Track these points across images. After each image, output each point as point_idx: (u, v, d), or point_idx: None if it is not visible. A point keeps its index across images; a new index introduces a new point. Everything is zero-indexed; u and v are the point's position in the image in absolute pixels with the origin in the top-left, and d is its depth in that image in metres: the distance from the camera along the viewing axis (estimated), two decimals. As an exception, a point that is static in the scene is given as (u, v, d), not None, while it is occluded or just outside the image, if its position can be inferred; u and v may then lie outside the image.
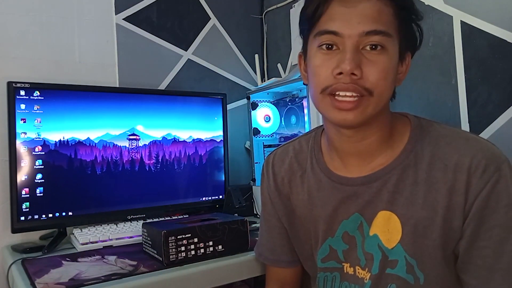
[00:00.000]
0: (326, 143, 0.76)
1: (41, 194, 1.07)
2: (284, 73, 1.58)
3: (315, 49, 0.65)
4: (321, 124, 0.83)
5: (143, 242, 0.97)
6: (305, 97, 1.27)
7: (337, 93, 0.62)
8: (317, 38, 0.64)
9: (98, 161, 1.15)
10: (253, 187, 1.42)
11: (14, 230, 1.04)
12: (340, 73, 0.60)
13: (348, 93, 0.61)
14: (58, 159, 1.10)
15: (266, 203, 0.85)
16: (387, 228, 0.66)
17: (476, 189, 0.60)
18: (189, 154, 1.31)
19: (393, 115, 0.71)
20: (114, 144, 1.18)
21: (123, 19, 1.37)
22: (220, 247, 0.91)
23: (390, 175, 0.66)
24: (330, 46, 0.62)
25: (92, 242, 1.03)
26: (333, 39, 0.62)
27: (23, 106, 1.05)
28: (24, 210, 1.05)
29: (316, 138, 0.79)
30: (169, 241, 0.85)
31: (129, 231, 1.08)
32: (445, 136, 0.65)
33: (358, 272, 0.70)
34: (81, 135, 1.13)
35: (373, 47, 0.61)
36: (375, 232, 0.67)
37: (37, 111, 1.07)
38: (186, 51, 1.50)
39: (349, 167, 0.71)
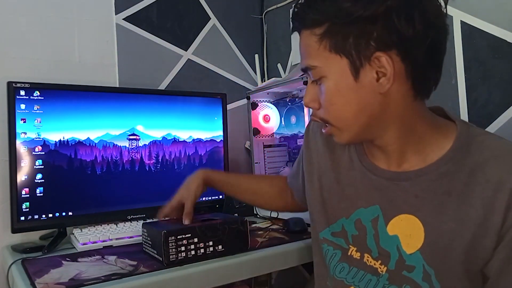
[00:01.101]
0: None
1: (41, 194, 1.07)
2: (284, 73, 1.58)
3: None
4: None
5: (143, 242, 0.97)
6: (305, 97, 1.27)
7: None
8: None
9: (98, 161, 1.15)
10: (253, 187, 1.42)
11: (14, 230, 1.04)
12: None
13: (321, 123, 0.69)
14: (58, 159, 1.10)
15: (302, 150, 0.89)
16: (409, 232, 0.64)
17: None
18: (189, 154, 1.31)
19: (431, 120, 0.66)
20: (114, 144, 1.18)
21: (123, 19, 1.37)
22: (220, 247, 0.91)
23: (422, 180, 0.64)
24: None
25: (92, 242, 1.03)
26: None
27: (23, 106, 1.05)
28: (24, 210, 1.05)
29: None
30: (169, 241, 0.85)
31: (129, 231, 1.08)
32: (494, 149, 0.60)
33: (367, 260, 0.69)
34: (81, 135, 1.13)
35: (315, 80, 0.64)
36: (396, 233, 0.66)
37: (37, 111, 1.07)
38: (186, 51, 1.50)
39: (381, 160, 0.70)
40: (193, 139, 1.32)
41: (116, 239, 1.05)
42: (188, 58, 1.51)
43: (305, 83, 1.18)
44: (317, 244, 0.80)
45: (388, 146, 0.66)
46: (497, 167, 0.58)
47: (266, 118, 1.44)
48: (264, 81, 1.57)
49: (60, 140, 1.10)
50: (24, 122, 1.05)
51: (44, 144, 1.08)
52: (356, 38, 0.58)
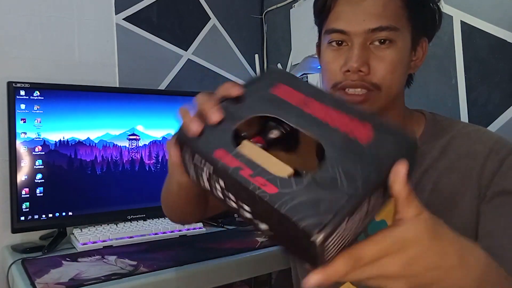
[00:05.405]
0: None
1: (41, 194, 1.07)
2: (284, 73, 1.57)
3: (325, 45, 0.67)
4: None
5: None
6: (305, 97, 1.27)
7: (346, 89, 0.64)
8: (327, 36, 0.66)
9: (98, 161, 1.15)
10: (253, 187, 1.41)
11: (14, 230, 1.04)
12: (348, 71, 0.63)
13: (357, 90, 0.63)
14: (58, 159, 1.10)
15: None
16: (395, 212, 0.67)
17: (492, 169, 0.62)
18: (189, 154, 1.31)
19: (407, 109, 0.72)
20: (114, 144, 1.18)
21: (123, 19, 1.37)
22: None
23: None
24: (340, 42, 0.65)
25: (92, 242, 1.03)
26: (341, 36, 0.64)
27: (23, 106, 1.05)
28: (24, 210, 1.05)
29: None
30: None
31: (129, 231, 1.08)
32: (459, 129, 0.68)
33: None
34: (81, 135, 1.13)
35: (381, 41, 0.62)
36: (383, 218, 0.68)
37: (37, 111, 1.07)
38: (186, 51, 1.50)
39: None
40: (193, 139, 1.32)
41: (116, 239, 1.05)
42: (188, 58, 1.51)
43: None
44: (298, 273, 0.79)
45: None
46: (464, 142, 0.66)
47: (266, 118, 1.44)
48: (264, 81, 1.57)
49: (60, 140, 1.10)
50: (24, 122, 1.05)
51: (44, 144, 1.08)
52: (423, 15, 0.64)
